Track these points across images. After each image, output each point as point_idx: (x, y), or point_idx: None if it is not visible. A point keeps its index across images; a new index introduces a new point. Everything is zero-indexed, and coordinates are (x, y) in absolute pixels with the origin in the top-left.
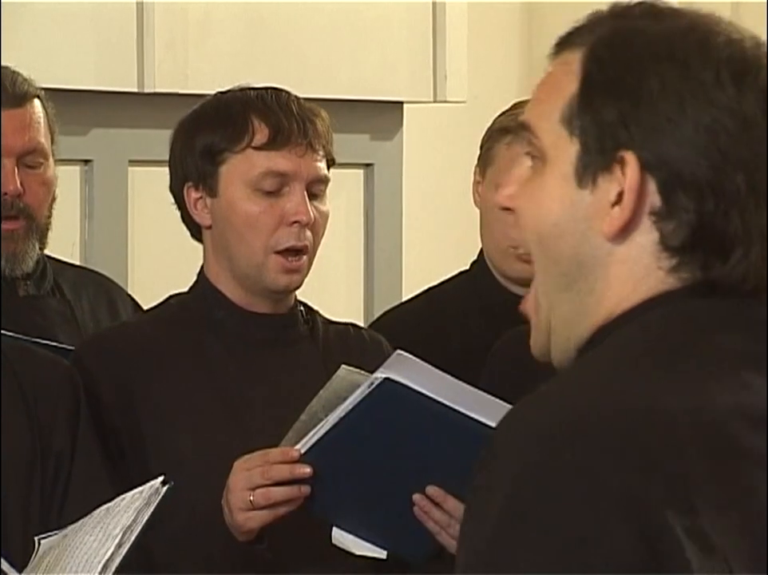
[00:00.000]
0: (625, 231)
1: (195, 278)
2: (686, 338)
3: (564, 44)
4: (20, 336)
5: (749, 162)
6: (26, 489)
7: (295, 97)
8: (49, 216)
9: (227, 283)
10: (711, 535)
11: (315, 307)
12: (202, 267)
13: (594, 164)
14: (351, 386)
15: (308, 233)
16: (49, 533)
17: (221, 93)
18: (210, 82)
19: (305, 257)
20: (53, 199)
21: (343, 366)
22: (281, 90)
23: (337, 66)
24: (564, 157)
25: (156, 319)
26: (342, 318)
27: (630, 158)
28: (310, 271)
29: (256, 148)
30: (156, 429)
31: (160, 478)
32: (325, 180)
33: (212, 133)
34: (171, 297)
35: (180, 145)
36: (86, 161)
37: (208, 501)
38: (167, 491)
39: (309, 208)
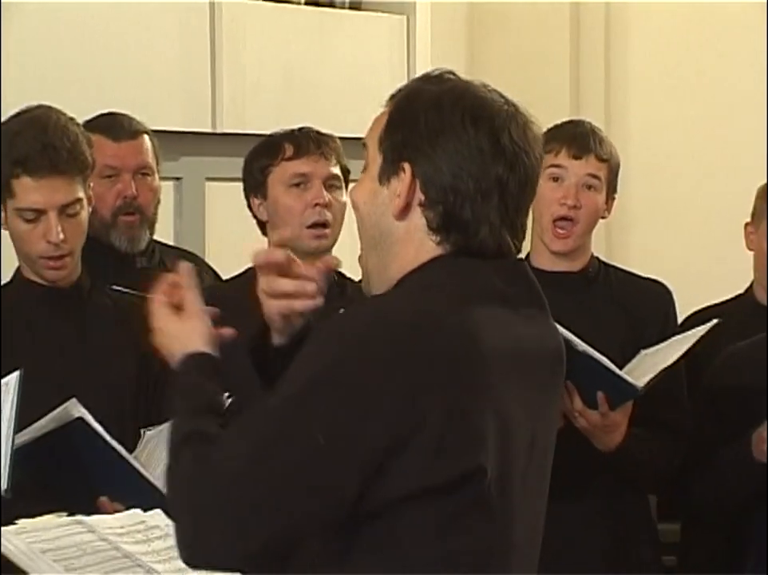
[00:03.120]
0: (404, 214)
1: None
2: (453, 279)
3: (390, 98)
4: (131, 292)
5: (477, 173)
6: (137, 400)
7: (314, 129)
8: (155, 213)
9: None
10: (466, 409)
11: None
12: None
13: (388, 170)
14: None
15: (328, 213)
16: (150, 428)
17: (269, 135)
18: (262, 124)
19: (328, 230)
20: (158, 201)
21: None
22: (304, 126)
23: (349, 113)
24: (374, 165)
25: (239, 283)
26: None
27: (406, 167)
28: (352, 259)
29: (287, 160)
30: None
31: None
32: (337, 178)
33: (261, 158)
34: (248, 270)
35: (245, 171)
36: (177, 178)
37: None
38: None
39: (324, 193)
